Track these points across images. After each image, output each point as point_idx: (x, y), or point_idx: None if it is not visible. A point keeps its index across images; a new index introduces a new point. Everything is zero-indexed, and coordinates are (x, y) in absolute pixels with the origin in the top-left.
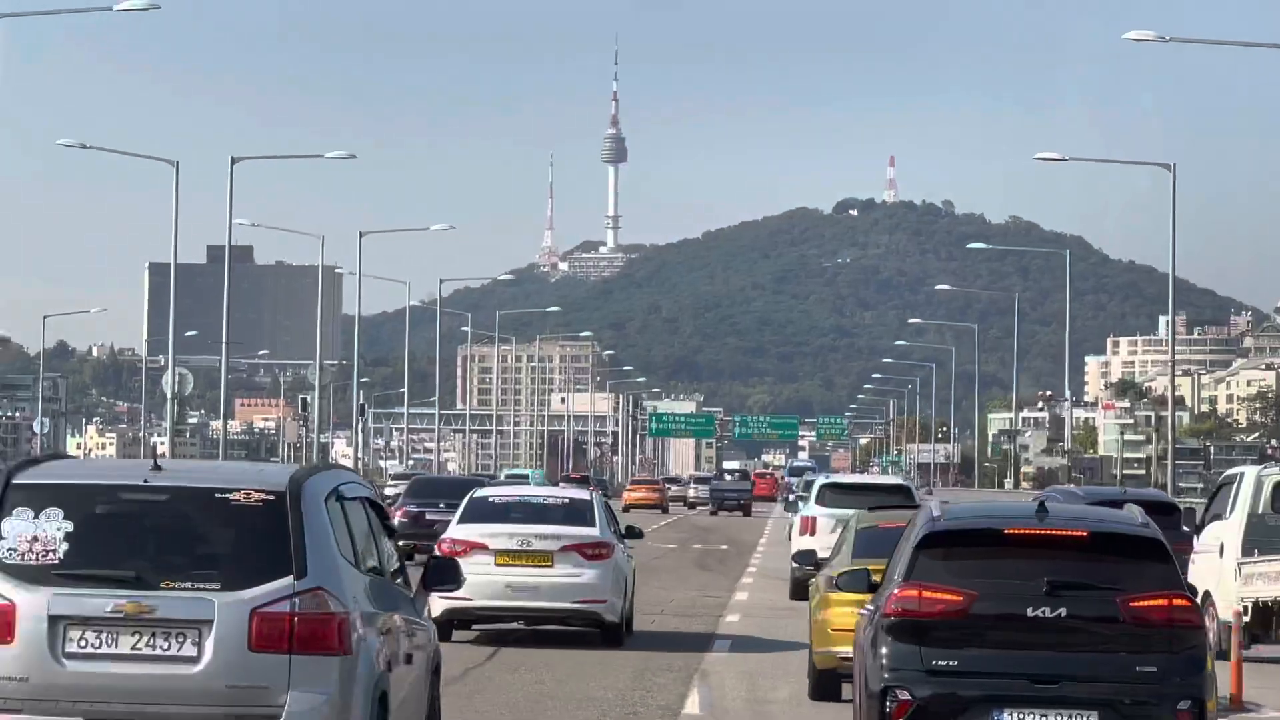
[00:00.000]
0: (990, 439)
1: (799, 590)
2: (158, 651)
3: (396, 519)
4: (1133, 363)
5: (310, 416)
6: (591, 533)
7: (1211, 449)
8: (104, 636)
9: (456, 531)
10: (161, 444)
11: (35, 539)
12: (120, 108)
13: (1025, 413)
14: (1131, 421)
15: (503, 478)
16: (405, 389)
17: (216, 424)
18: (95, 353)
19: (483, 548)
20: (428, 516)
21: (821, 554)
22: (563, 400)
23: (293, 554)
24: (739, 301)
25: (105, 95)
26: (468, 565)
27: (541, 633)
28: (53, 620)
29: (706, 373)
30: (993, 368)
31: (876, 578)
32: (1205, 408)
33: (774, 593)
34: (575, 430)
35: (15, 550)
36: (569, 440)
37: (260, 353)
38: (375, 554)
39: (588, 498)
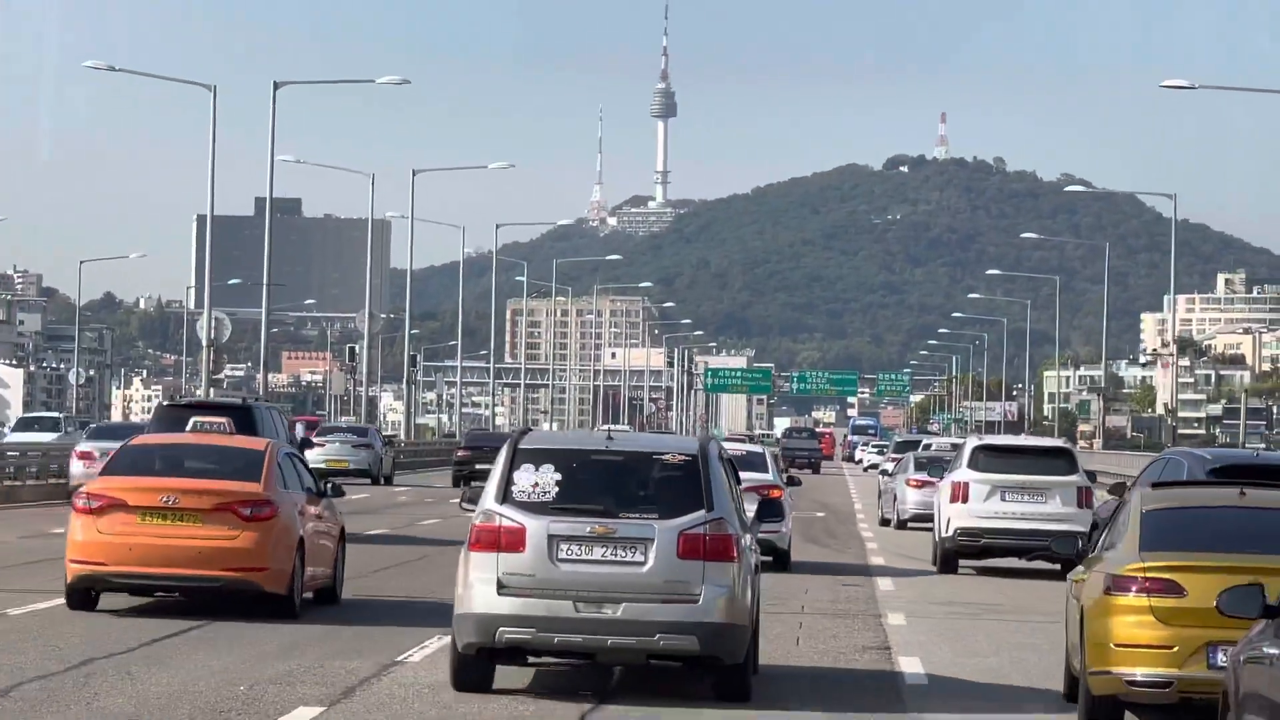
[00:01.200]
0: (1047, 397)
1: (948, 563)
2: (618, 558)
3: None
4: (1190, 320)
5: (358, 367)
6: (767, 478)
7: (1275, 408)
8: (583, 548)
9: None
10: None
11: (536, 484)
12: (158, 40)
13: (1082, 370)
14: (1191, 380)
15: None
16: (459, 339)
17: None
18: (142, 305)
19: None
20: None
21: (969, 523)
22: (614, 355)
23: (704, 495)
24: (788, 257)
25: (140, 23)
26: None
27: None
28: (550, 537)
29: (756, 329)
30: (1043, 325)
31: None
32: (1266, 366)
33: (913, 568)
34: (628, 385)
35: (524, 491)
36: (625, 395)
37: (307, 302)
38: (736, 496)
39: (761, 450)
